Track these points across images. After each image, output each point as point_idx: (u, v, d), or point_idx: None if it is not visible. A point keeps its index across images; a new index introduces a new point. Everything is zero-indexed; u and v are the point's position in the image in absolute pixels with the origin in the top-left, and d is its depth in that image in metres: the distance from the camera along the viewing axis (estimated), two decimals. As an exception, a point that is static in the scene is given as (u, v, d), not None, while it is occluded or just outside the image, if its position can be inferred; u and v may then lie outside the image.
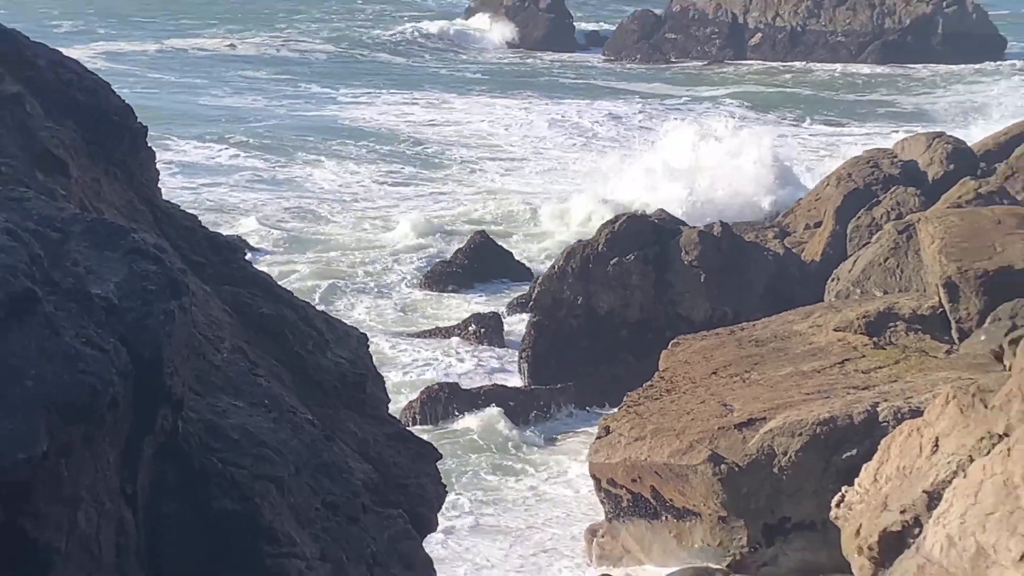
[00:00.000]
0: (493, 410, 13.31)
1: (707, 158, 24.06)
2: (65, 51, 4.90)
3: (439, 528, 4.58)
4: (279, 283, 5.07)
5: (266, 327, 4.12)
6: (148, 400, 2.71)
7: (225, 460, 3.01)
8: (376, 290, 18.07)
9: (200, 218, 4.95)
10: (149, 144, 4.79)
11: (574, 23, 51.97)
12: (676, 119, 30.29)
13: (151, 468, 2.84)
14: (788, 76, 42.51)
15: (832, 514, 9.42)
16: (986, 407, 9.20)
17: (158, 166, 4.93)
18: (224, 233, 8.48)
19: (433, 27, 51.97)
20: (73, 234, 2.77)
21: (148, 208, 4.22)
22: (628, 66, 45.79)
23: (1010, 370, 9.58)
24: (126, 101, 4.59)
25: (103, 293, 2.62)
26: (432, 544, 5.76)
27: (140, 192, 4.31)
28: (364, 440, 4.01)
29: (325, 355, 4.18)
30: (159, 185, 4.75)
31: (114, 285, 2.65)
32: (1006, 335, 10.85)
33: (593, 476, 11.08)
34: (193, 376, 3.09)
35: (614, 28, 51.24)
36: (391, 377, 12.56)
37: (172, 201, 4.83)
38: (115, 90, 4.70)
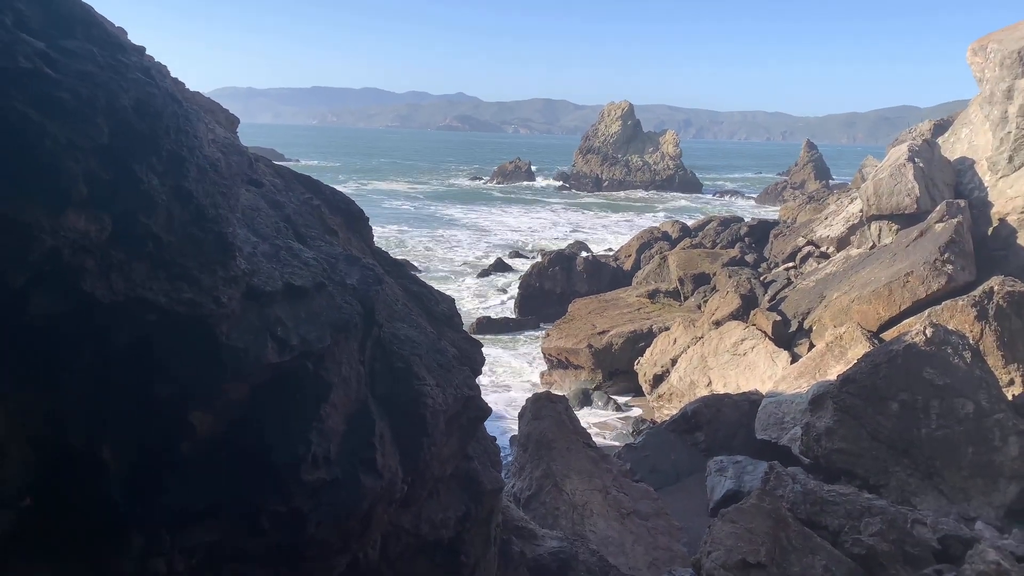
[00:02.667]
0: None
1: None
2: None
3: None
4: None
5: (414, 293, 5.94)
6: (368, 323, 4.45)
7: (397, 346, 4.81)
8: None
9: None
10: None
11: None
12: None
13: (370, 350, 4.58)
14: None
15: (635, 365, 21.44)
16: (694, 327, 21.48)
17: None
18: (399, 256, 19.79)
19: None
20: (340, 257, 4.65)
21: (369, 249, 6.12)
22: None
23: (702, 311, 22.40)
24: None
25: (351, 282, 4.44)
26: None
27: (366, 242, 6.21)
28: (453, 339, 5.78)
29: (439, 306, 6.05)
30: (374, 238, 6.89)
31: (356, 279, 4.49)
32: (703, 299, 24.10)
33: (543, 350, 22.79)
34: (386, 314, 4.87)
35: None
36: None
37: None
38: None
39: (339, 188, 6.95)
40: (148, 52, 6.85)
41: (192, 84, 7.67)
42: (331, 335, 3.93)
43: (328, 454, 3.86)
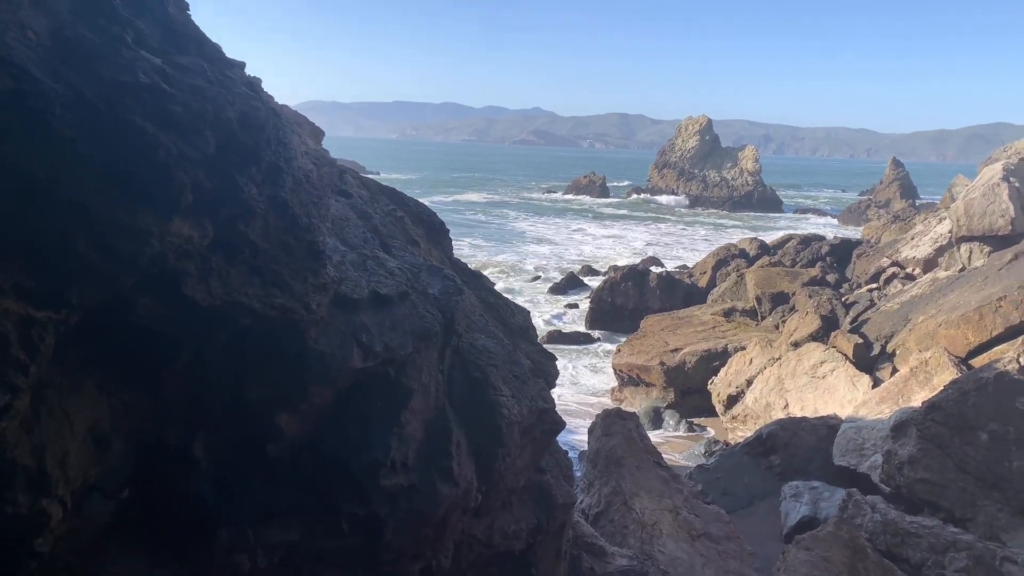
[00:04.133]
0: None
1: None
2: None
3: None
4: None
5: (491, 304, 6.03)
6: (448, 332, 4.57)
7: (475, 356, 4.90)
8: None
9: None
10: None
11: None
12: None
13: (449, 358, 4.69)
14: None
15: (709, 384, 21.07)
16: (771, 347, 20.96)
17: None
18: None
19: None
20: (423, 268, 4.81)
21: (449, 260, 6.17)
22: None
23: (780, 332, 21.83)
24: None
25: (433, 292, 4.58)
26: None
27: (446, 253, 6.30)
28: (528, 351, 5.84)
29: (515, 317, 6.13)
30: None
31: (437, 289, 4.63)
32: (781, 319, 23.52)
33: (614, 367, 22.67)
34: (464, 324, 4.97)
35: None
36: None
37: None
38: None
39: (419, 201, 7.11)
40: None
41: (279, 97, 7.96)
42: (413, 343, 4.02)
43: (406, 460, 3.94)
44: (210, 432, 3.59)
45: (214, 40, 6.91)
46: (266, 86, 7.83)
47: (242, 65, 3.75)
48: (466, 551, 4.58)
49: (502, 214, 74.61)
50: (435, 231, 6.05)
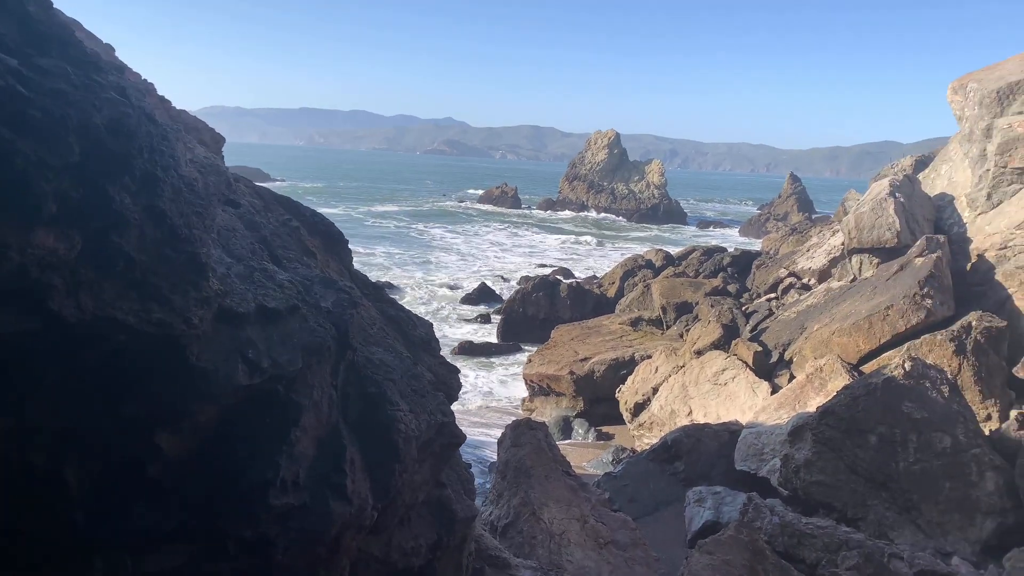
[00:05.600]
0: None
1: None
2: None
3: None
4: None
5: (392, 317, 5.92)
6: (342, 347, 4.38)
7: (371, 371, 4.74)
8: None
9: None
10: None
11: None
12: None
13: (343, 373, 4.48)
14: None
15: (617, 392, 21.45)
16: (676, 355, 21.55)
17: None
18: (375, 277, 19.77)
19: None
20: (316, 280, 4.60)
21: (348, 272, 6.06)
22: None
23: (684, 340, 22.43)
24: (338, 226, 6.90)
25: (326, 305, 4.40)
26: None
27: (345, 264, 6.18)
28: (430, 364, 5.79)
29: (416, 330, 6.02)
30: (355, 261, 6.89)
31: (331, 302, 4.45)
32: (685, 328, 24.16)
33: (524, 376, 22.83)
34: (360, 338, 4.81)
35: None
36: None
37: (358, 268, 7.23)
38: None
39: (325, 209, 6.97)
40: (137, 71, 6.85)
41: (180, 103, 7.66)
42: (303, 358, 3.89)
43: (297, 478, 3.81)
44: (83, 454, 3.37)
45: (106, 42, 6.57)
46: (166, 91, 7.53)
47: (120, 69, 3.57)
48: (363, 569, 4.46)
49: (414, 224, 74.24)
50: (332, 242, 5.90)
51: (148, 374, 3.43)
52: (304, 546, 3.83)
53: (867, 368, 15.39)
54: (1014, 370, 14.76)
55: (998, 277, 17.43)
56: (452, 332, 28.33)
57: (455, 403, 5.84)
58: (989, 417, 13.57)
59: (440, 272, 44.26)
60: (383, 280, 36.81)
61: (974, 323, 14.58)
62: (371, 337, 4.99)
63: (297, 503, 3.79)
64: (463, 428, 5.50)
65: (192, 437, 3.60)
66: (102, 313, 3.12)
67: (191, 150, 4.73)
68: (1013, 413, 12.45)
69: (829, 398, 12.14)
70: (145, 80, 7.00)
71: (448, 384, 5.66)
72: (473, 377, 22.95)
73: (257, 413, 3.79)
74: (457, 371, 6.03)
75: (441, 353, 6.39)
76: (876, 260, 19.84)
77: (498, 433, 11.53)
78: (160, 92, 7.27)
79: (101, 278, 3.10)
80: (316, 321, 4.09)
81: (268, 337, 3.78)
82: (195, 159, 4.54)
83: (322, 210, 6.95)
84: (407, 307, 6.64)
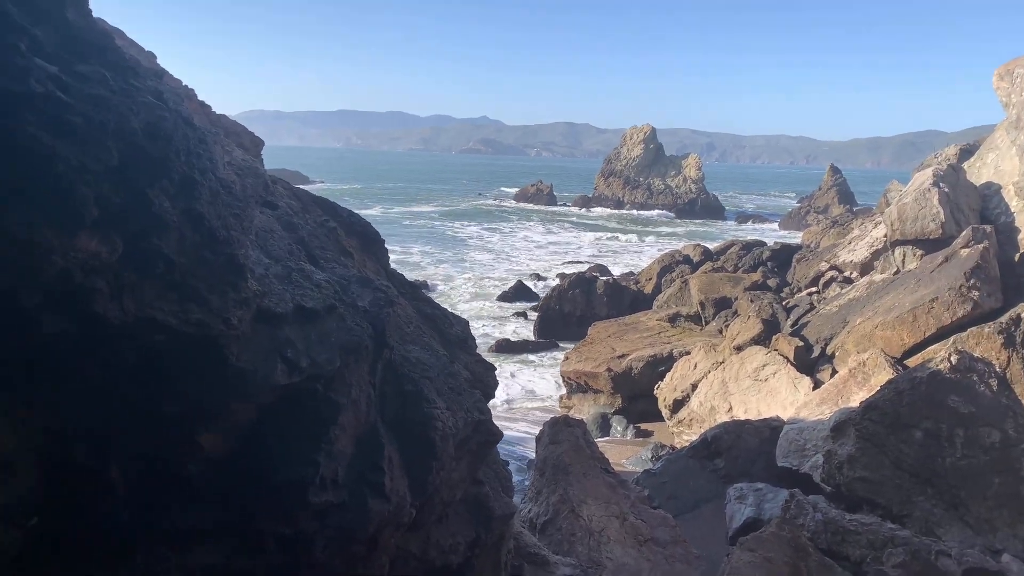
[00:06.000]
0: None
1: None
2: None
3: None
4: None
5: (428, 315, 5.96)
6: (379, 345, 4.44)
7: (408, 369, 4.80)
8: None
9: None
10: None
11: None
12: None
13: (380, 372, 4.55)
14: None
15: (655, 389, 21.24)
16: (715, 351, 21.00)
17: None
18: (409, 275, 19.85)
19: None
20: (352, 280, 4.66)
21: (385, 271, 6.06)
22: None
23: (724, 336, 22.14)
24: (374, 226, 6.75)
25: (363, 304, 4.44)
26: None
27: (381, 264, 6.18)
28: (466, 362, 5.77)
29: (452, 328, 6.02)
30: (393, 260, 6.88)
31: (367, 301, 4.50)
32: (724, 324, 23.83)
33: (562, 374, 22.67)
34: (397, 336, 4.87)
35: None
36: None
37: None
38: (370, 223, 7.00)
39: (362, 210, 7.01)
40: (178, 77, 6.97)
41: (220, 107, 7.79)
42: (341, 357, 3.93)
43: (336, 476, 3.84)
44: (124, 452, 3.44)
45: (148, 50, 6.69)
46: (206, 96, 7.65)
47: (159, 74, 3.64)
48: (401, 567, 4.49)
49: (450, 223, 74.52)
50: (369, 242, 5.95)
51: (188, 374, 3.48)
52: (342, 544, 3.87)
53: (911, 362, 15.07)
54: (1066, 363, 14.33)
55: (1048, 267, 16.95)
56: (489, 330, 28.39)
57: (492, 400, 5.85)
58: (1040, 411, 13.19)
59: (476, 270, 44.39)
60: (420, 279, 37.07)
61: (1023, 315, 14.20)
62: (408, 335, 5.02)
63: (336, 501, 3.82)
64: (500, 425, 5.51)
65: (231, 435, 3.65)
66: (143, 314, 3.18)
67: (229, 153, 4.80)
68: (1065, 407, 12.08)
69: (872, 393, 11.91)
70: (186, 86, 7.13)
71: (485, 382, 5.67)
72: (510, 375, 22.96)
73: (296, 412, 3.83)
74: (493, 369, 6.04)
75: (478, 351, 6.42)
76: (920, 252, 19.42)
77: (536, 431, 11.53)
78: (201, 97, 7.41)
79: (142, 280, 3.16)
80: (353, 320, 4.12)
81: (306, 336, 3.82)
82: (233, 162, 4.61)
83: (359, 211, 7.00)
84: (444, 306, 6.67)
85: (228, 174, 3.84)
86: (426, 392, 4.59)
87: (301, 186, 6.73)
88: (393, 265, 6.78)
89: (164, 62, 6.79)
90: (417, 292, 6.23)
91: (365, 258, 5.75)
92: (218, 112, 7.79)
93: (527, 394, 22.27)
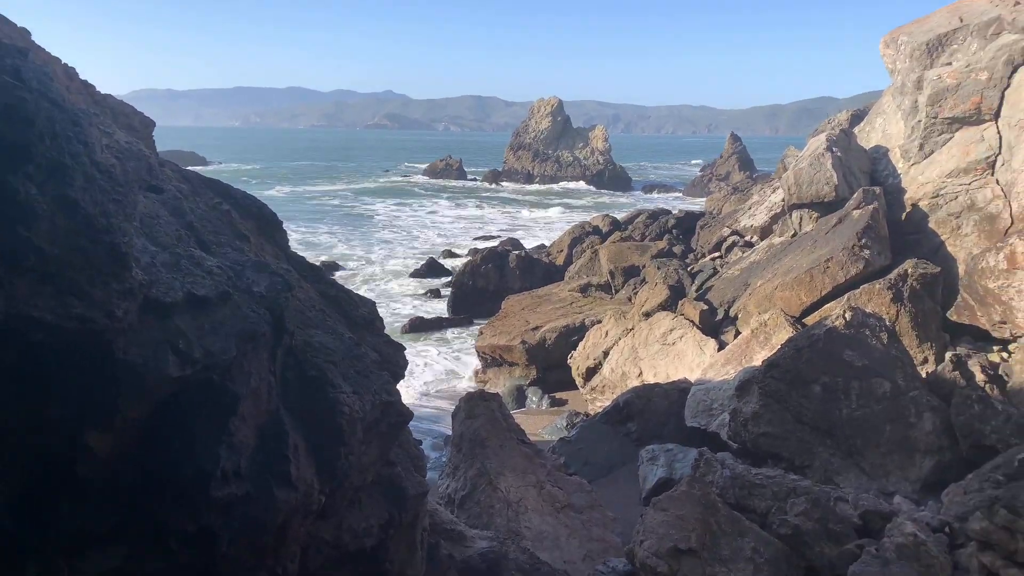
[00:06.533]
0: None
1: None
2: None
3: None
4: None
5: (332, 298, 5.78)
6: (279, 332, 4.30)
7: (311, 354, 4.67)
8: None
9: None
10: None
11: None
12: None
13: (281, 359, 4.42)
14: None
15: (569, 359, 21.63)
16: (625, 318, 21.72)
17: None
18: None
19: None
20: (247, 265, 4.43)
21: (284, 254, 5.87)
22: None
23: (633, 303, 22.64)
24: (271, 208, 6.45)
25: (259, 290, 4.25)
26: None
27: (280, 247, 5.97)
28: (374, 343, 5.61)
29: (358, 310, 5.83)
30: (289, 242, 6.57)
31: (264, 287, 4.29)
32: (633, 292, 24.38)
33: (477, 349, 22.73)
34: (298, 321, 4.74)
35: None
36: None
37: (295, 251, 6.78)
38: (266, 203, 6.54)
39: (265, 191, 6.78)
40: (58, 55, 6.54)
41: (108, 87, 7.38)
42: (237, 346, 3.79)
43: (238, 468, 3.73)
44: (8, 457, 3.25)
45: (22, 26, 6.24)
46: (91, 75, 7.20)
47: (22, 53, 3.38)
48: (314, 554, 4.42)
49: (357, 201, 73.18)
50: (266, 224, 5.75)
51: (73, 372, 3.30)
52: (250, 536, 3.77)
53: (810, 320, 15.75)
54: (947, 313, 15.27)
55: (931, 225, 17.94)
56: (402, 309, 28.15)
57: (406, 380, 5.79)
58: (926, 360, 14.03)
59: (387, 249, 43.84)
60: (328, 260, 36.33)
61: (910, 271, 15.00)
62: (310, 320, 4.90)
63: (240, 493, 3.72)
64: (416, 404, 5.46)
65: (124, 433, 3.49)
66: (16, 311, 2.98)
67: (109, 135, 4.54)
68: (948, 355, 12.89)
69: (774, 351, 12.39)
70: (65, 64, 6.71)
71: (394, 363, 5.60)
72: (425, 353, 22.87)
73: (193, 404, 3.69)
74: (403, 349, 5.96)
75: (388, 331, 6.32)
76: (816, 214, 20.22)
77: (453, 407, 11.53)
78: (85, 77, 7.01)
79: (12, 275, 2.96)
80: (249, 307, 3.98)
81: (199, 326, 3.67)
82: (113, 144, 4.37)
83: (261, 192, 6.83)
84: (353, 286, 6.50)
85: (106, 157, 3.63)
86: (331, 377, 4.49)
87: (198, 168, 6.48)
88: (299, 247, 6.62)
89: (47, 43, 6.38)
90: (320, 274, 6.08)
91: (262, 241, 5.57)
92: (104, 92, 7.38)
93: (442, 371, 22.23)
